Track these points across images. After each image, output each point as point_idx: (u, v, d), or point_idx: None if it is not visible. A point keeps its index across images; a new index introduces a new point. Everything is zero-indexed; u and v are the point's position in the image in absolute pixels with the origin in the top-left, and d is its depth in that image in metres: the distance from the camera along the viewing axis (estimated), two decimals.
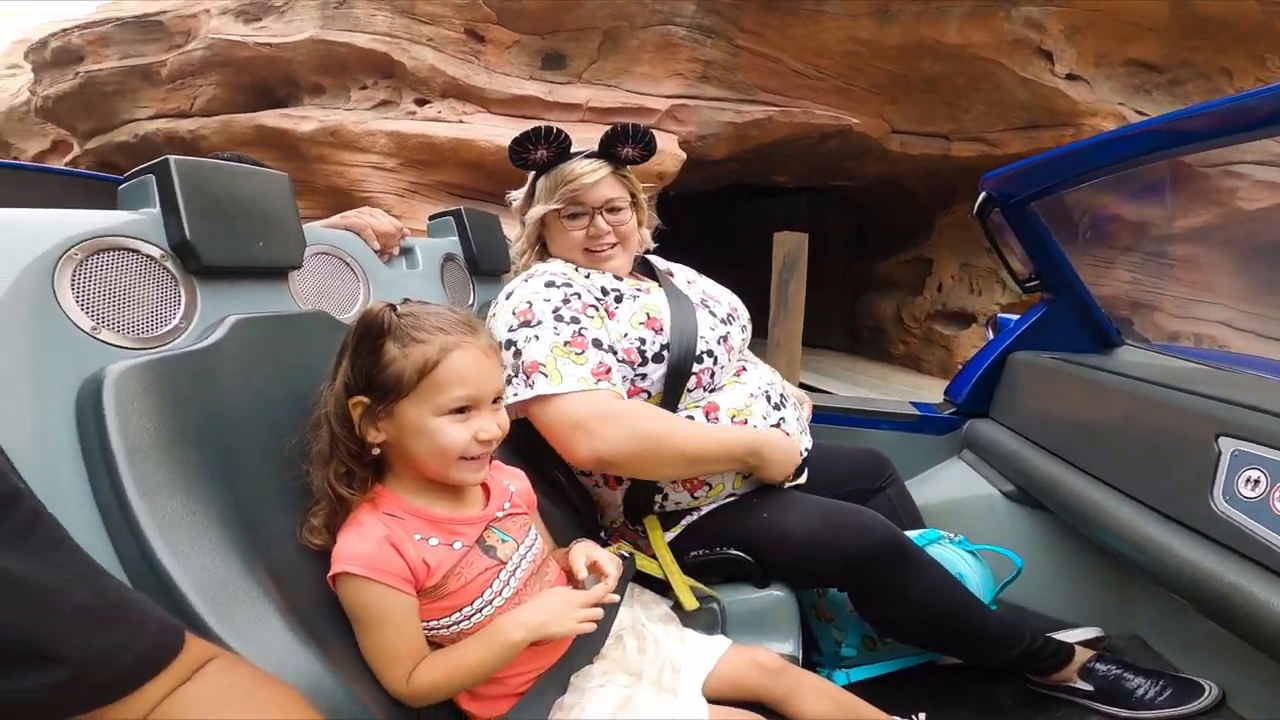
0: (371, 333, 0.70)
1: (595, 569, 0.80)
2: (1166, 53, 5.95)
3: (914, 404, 1.72)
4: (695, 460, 1.00)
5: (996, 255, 1.59)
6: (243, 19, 6.64)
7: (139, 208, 0.76)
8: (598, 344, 0.99)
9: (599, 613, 0.73)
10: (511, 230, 1.22)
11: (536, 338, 0.97)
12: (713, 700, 0.78)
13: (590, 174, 1.07)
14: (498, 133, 5.84)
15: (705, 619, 1.00)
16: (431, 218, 1.49)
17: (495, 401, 0.74)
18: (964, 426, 1.62)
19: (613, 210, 1.09)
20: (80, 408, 0.59)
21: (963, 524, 1.35)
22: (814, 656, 1.24)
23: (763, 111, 6.13)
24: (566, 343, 0.97)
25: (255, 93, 6.84)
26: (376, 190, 6.07)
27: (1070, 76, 5.98)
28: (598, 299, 1.05)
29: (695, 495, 1.07)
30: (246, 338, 0.76)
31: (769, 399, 1.11)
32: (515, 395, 0.96)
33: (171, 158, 0.75)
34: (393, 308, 0.71)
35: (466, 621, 0.71)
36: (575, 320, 0.99)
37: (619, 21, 6.00)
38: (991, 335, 1.83)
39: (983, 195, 1.44)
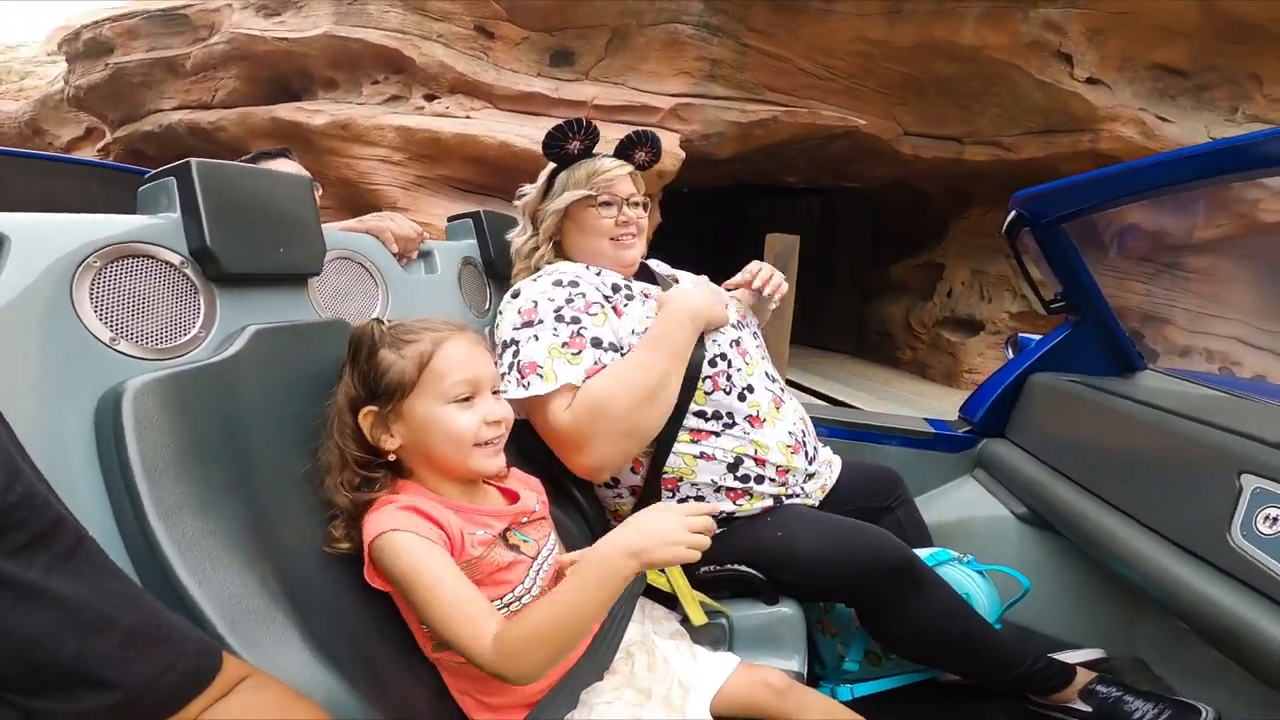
0: (364, 345, 0.74)
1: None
2: (1195, 57, 5.75)
3: (928, 420, 1.71)
4: (659, 392, 1.01)
5: (1022, 275, 1.59)
6: (263, 13, 6.78)
7: (158, 211, 0.75)
8: (597, 343, 1.01)
9: (706, 537, 0.67)
10: (512, 233, 1.24)
11: (536, 338, 1.00)
12: (720, 718, 0.80)
13: (619, 168, 1.14)
14: (501, 128, 5.89)
15: (713, 634, 1.02)
16: (450, 219, 1.50)
17: (495, 393, 0.77)
18: (978, 446, 1.62)
19: (634, 205, 1.15)
20: (99, 423, 0.58)
21: (972, 543, 1.36)
22: (816, 669, 1.25)
23: (768, 111, 6.07)
24: (565, 344, 0.99)
25: (273, 86, 6.99)
26: (383, 183, 6.17)
27: (1090, 80, 5.82)
28: (606, 296, 1.07)
29: (737, 504, 1.09)
30: (266, 348, 0.75)
31: (805, 449, 1.15)
32: (507, 392, 0.97)
33: (193, 160, 0.74)
34: (379, 322, 0.76)
35: (504, 610, 0.72)
36: (576, 320, 1.01)
37: (627, 19, 5.99)
38: (1011, 355, 1.83)
39: (1013, 214, 1.42)
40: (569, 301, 1.03)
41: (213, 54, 7.02)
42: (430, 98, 6.33)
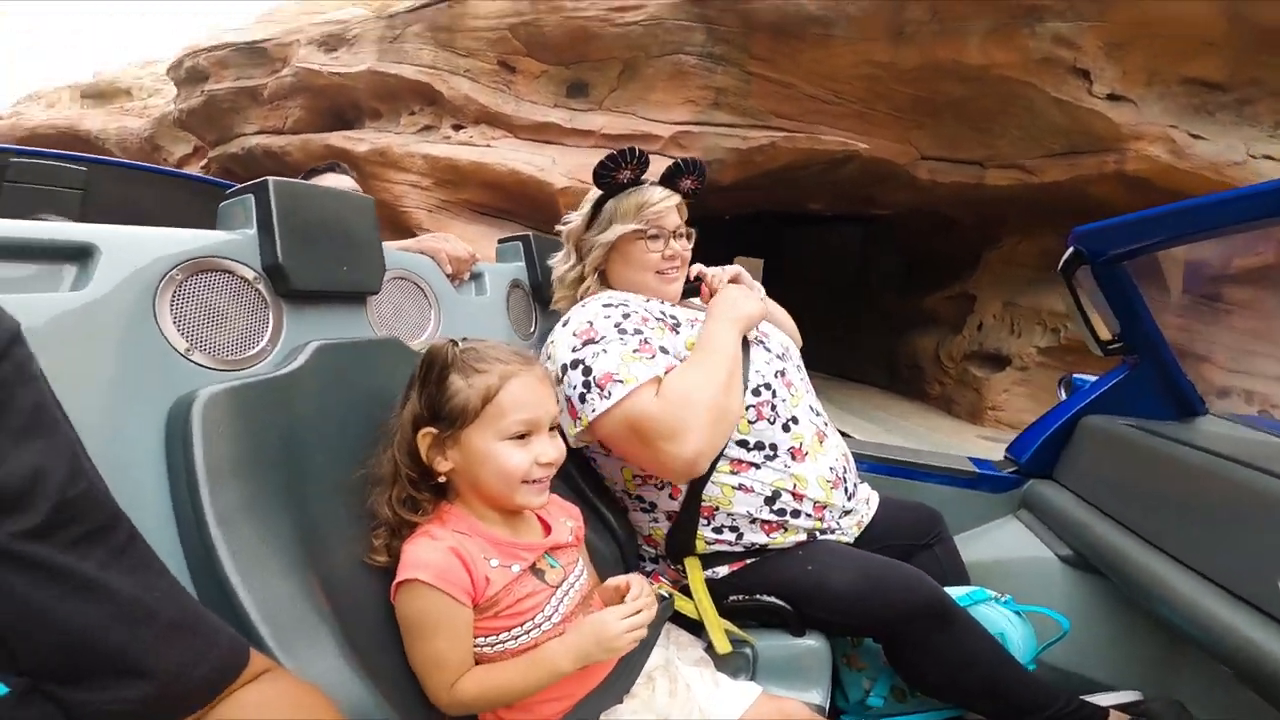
0: (436, 366, 0.75)
1: (621, 590, 0.82)
2: (1232, 70, 5.38)
3: (972, 459, 1.69)
4: (734, 380, 1.01)
5: (1078, 314, 1.52)
6: (324, 49, 7.61)
7: (236, 227, 0.79)
8: (665, 350, 1.01)
9: (642, 620, 0.75)
10: (554, 259, 1.24)
11: (604, 351, 0.98)
12: None
13: (667, 199, 1.12)
14: (513, 156, 6.35)
15: (737, 663, 1.01)
16: (501, 241, 1.53)
17: (551, 430, 0.78)
18: (1024, 486, 1.59)
19: (679, 237, 1.14)
20: (170, 428, 0.62)
21: (1011, 583, 1.35)
22: (839, 703, 1.24)
23: (767, 137, 6.16)
24: (635, 350, 0.98)
25: (331, 115, 7.81)
26: (412, 205, 6.77)
27: (1112, 96, 5.54)
28: (658, 317, 1.08)
29: (771, 536, 1.07)
30: (325, 364, 0.78)
31: (845, 485, 1.14)
32: (594, 410, 0.96)
33: (270, 179, 0.78)
34: (454, 343, 0.76)
35: (513, 641, 0.74)
36: (639, 332, 1.01)
37: (636, 51, 6.27)
38: (1064, 395, 1.78)
39: (1070, 250, 1.37)
40: (625, 317, 1.03)
41: (283, 85, 7.93)
42: (457, 127, 6.90)
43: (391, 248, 1.09)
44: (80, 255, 0.65)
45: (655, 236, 1.12)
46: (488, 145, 6.73)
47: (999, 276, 7.33)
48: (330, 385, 0.78)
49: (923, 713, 1.19)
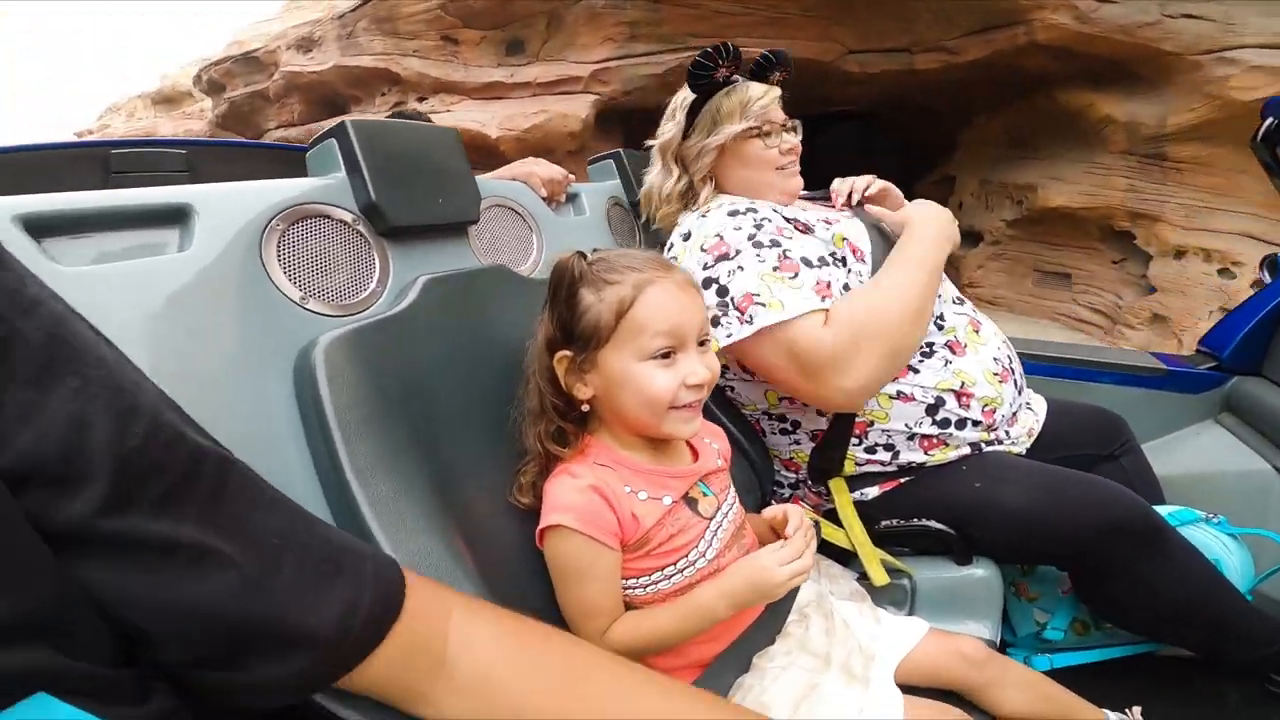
0: (564, 283, 0.66)
1: (776, 523, 0.74)
2: None
3: (1157, 355, 1.46)
4: (925, 309, 0.92)
5: None
6: (301, 51, 8.51)
7: (326, 173, 0.77)
8: (808, 262, 0.90)
9: (805, 564, 0.66)
10: (650, 175, 1.13)
11: (740, 268, 0.89)
12: (902, 687, 0.71)
13: (769, 93, 1.02)
14: (465, 116, 7.05)
15: (893, 595, 0.93)
16: (590, 161, 1.47)
17: (701, 345, 0.68)
18: (1227, 385, 1.37)
19: (790, 129, 1.04)
20: (298, 379, 0.60)
21: (1219, 501, 1.16)
22: (1005, 636, 1.12)
23: (677, 59, 6.45)
24: (775, 268, 0.88)
25: (324, 105, 8.78)
26: None
27: None
28: (788, 220, 0.97)
29: (930, 454, 0.96)
30: (437, 298, 0.75)
31: (1013, 376, 1.01)
32: (730, 335, 0.88)
33: (347, 119, 0.76)
34: (582, 255, 0.67)
35: (666, 582, 0.67)
36: (775, 243, 0.91)
37: (554, 3, 6.68)
38: (1269, 279, 1.53)
39: (1270, 122, 1.26)
40: (758, 227, 0.92)
41: (279, 86, 8.96)
42: (421, 99, 7.61)
43: (482, 178, 1.04)
44: (178, 217, 0.64)
45: (769, 133, 1.01)
46: (447, 110, 7.42)
47: (975, 156, 7.40)
48: (444, 320, 0.75)
49: (1110, 646, 1.06)
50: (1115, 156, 5.98)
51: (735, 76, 1.02)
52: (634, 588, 0.67)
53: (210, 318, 0.60)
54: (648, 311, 0.65)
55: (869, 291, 0.91)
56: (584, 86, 6.70)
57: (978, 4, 5.63)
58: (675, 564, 0.67)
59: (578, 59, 6.86)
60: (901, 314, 0.88)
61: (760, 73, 1.05)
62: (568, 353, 0.67)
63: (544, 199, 1.14)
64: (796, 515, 0.72)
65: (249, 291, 0.63)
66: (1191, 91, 5.27)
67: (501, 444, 0.71)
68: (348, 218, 0.75)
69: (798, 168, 1.05)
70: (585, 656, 0.41)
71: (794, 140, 1.04)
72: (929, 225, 1.00)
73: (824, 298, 0.88)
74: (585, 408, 0.69)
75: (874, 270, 0.96)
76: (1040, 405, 1.09)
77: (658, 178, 1.10)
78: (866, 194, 1.11)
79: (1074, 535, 0.90)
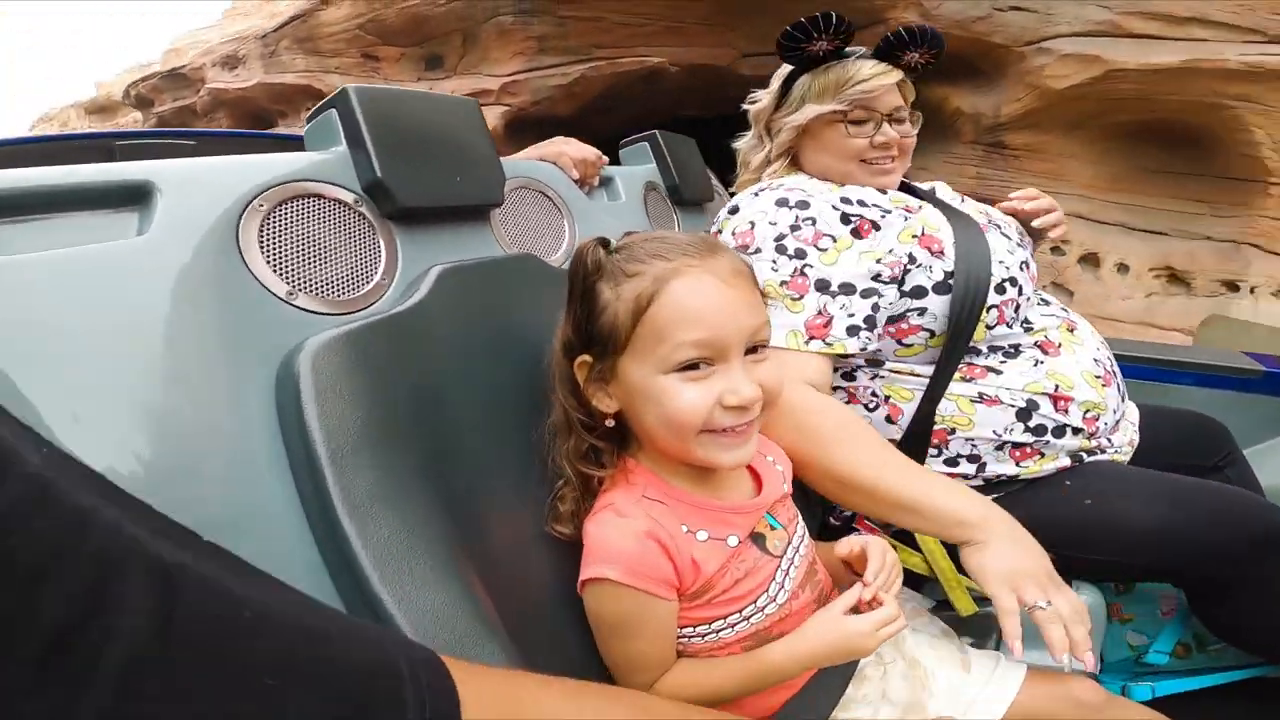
0: (580, 275, 0.55)
1: (854, 558, 0.62)
2: None
3: (1251, 355, 1.37)
4: (874, 499, 0.73)
5: None
6: (226, 69, 8.71)
7: (325, 148, 0.66)
8: (823, 286, 0.81)
9: (896, 629, 0.55)
10: (741, 141, 1.04)
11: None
12: None
13: (882, 76, 0.90)
14: None
15: (978, 628, 0.81)
16: (623, 144, 1.36)
17: (753, 351, 0.54)
18: None
19: (898, 120, 0.93)
20: (280, 392, 0.49)
21: None
22: None
23: (579, 71, 7.00)
24: (784, 282, 0.81)
25: (251, 119, 9.01)
26: None
27: None
28: (846, 216, 0.86)
29: (1023, 465, 0.84)
30: (453, 291, 0.63)
31: (1116, 380, 0.89)
32: None
33: (350, 86, 0.65)
34: (604, 243, 0.56)
35: (729, 630, 0.57)
36: (800, 255, 0.82)
37: (466, 22, 7.13)
38: None
39: None
40: (794, 229, 0.83)
41: (206, 102, 9.13)
42: None
43: (508, 159, 0.95)
44: (138, 197, 0.52)
45: (861, 121, 0.92)
46: None
47: None
48: (464, 318, 0.63)
49: (1217, 671, 0.97)
50: (966, 146, 6.68)
51: (847, 50, 0.93)
52: (692, 637, 0.57)
53: (171, 318, 0.48)
54: (671, 312, 0.52)
55: (863, 442, 0.75)
56: (495, 98, 7.19)
57: (844, 6, 6.25)
58: (741, 611, 0.57)
59: (491, 72, 7.32)
60: (847, 477, 0.73)
61: (888, 50, 0.92)
62: (587, 358, 0.56)
63: (575, 181, 1.04)
64: (878, 553, 0.60)
65: (222, 285, 0.52)
66: (1018, 82, 5.99)
67: (532, 463, 0.60)
68: (348, 198, 0.63)
69: (895, 164, 0.94)
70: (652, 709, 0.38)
71: (893, 133, 0.92)
72: (1004, 532, 0.73)
73: (811, 338, 0.79)
74: (610, 423, 0.57)
75: (958, 266, 0.83)
76: (1133, 412, 0.99)
77: (746, 143, 1.03)
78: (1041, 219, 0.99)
79: (1203, 552, 0.78)
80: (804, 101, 0.93)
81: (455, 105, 0.75)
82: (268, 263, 0.55)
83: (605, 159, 1.15)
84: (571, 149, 1.08)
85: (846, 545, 0.62)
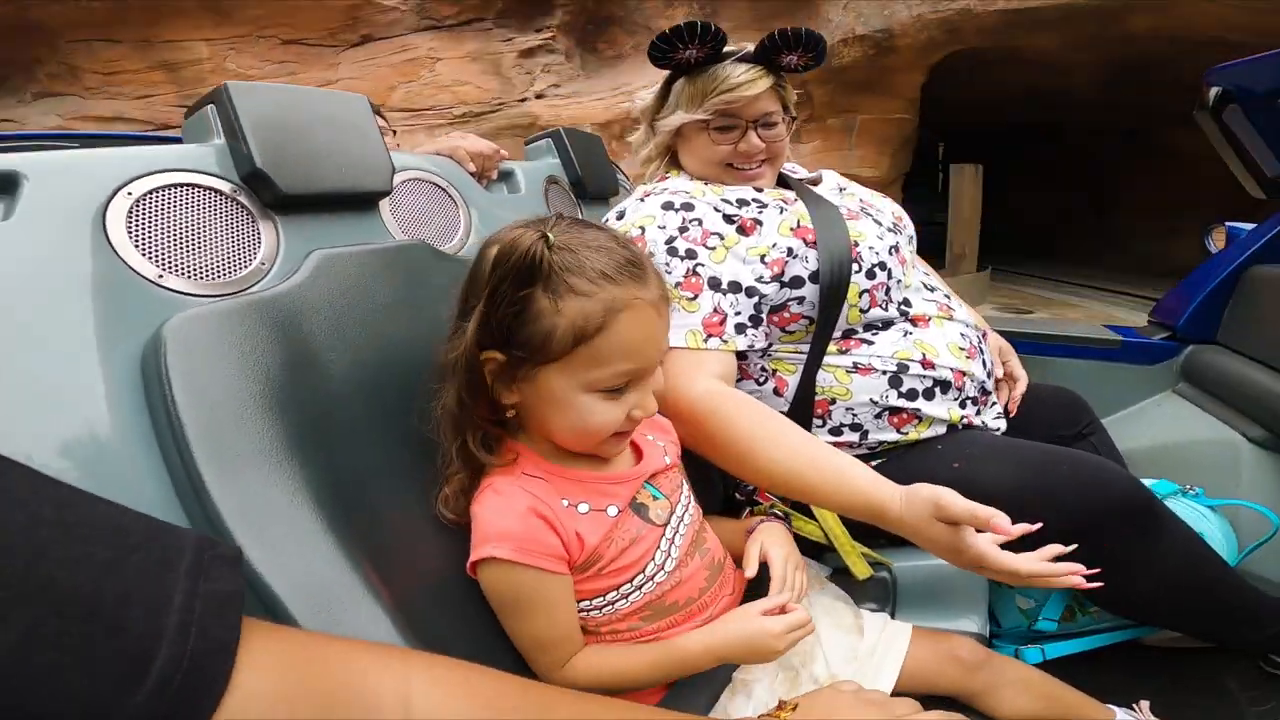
0: (513, 271, 0.53)
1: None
2: None
3: (1111, 328, 1.46)
4: (772, 479, 0.75)
5: (1233, 156, 1.38)
6: None
7: (202, 141, 0.68)
8: (715, 284, 0.84)
9: (804, 633, 0.60)
10: (634, 135, 1.06)
11: None
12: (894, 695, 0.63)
13: (750, 84, 0.90)
14: None
15: (874, 592, 0.85)
16: (527, 141, 1.40)
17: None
18: (1182, 354, 1.37)
19: (768, 125, 0.94)
20: (145, 369, 0.50)
21: (1186, 473, 1.14)
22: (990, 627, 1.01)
23: None
24: (678, 283, 0.83)
25: None
26: None
27: None
28: (729, 216, 0.89)
29: (903, 431, 0.88)
30: (335, 275, 0.65)
31: (982, 355, 0.93)
32: None
33: (229, 82, 0.67)
34: (546, 239, 0.53)
35: (624, 601, 0.60)
36: (691, 255, 0.84)
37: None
38: (1216, 247, 1.57)
39: (1215, 90, 1.27)
40: (682, 230, 0.85)
41: None
42: None
43: (401, 153, 0.98)
44: (5, 186, 0.54)
45: (726, 128, 0.93)
46: None
47: None
48: (347, 301, 0.64)
49: (1100, 633, 1.00)
50: None
51: (726, 52, 0.92)
52: (590, 609, 0.60)
53: (34, 294, 0.50)
54: (614, 346, 0.54)
55: (779, 441, 0.75)
56: None
57: None
58: (632, 580, 0.60)
59: None
60: (763, 457, 0.74)
61: (765, 53, 0.91)
62: (499, 356, 0.56)
63: (473, 174, 1.07)
64: (780, 563, 0.66)
65: (87, 266, 0.53)
66: None
67: (418, 446, 0.61)
68: (225, 188, 0.66)
69: (763, 168, 0.96)
70: (545, 699, 0.37)
71: (757, 142, 0.93)
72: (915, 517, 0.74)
73: (710, 335, 0.81)
74: (511, 414, 0.60)
75: (820, 255, 0.86)
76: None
77: (636, 139, 1.05)
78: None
79: (1068, 518, 0.78)
80: (676, 107, 0.95)
81: (340, 99, 0.78)
82: (135, 246, 0.57)
83: (504, 153, 1.18)
84: (468, 143, 1.11)
85: (753, 547, 0.68)
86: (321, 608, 0.44)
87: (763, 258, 0.86)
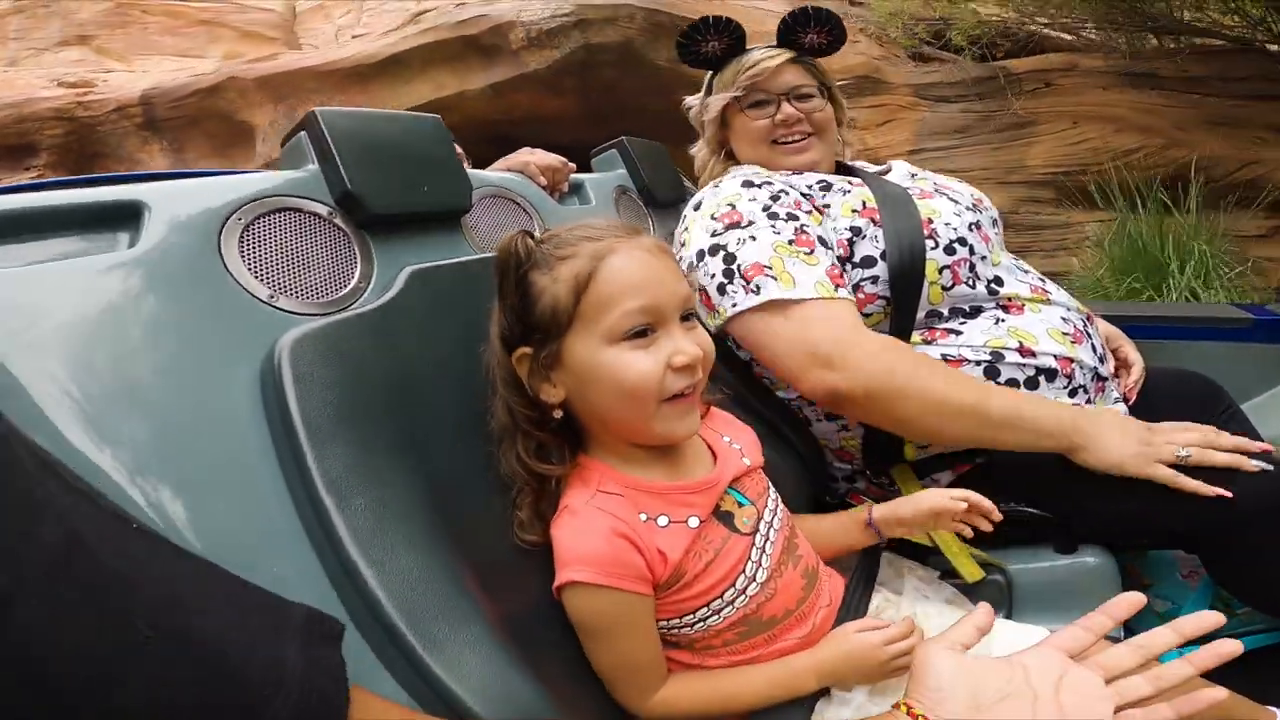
0: (510, 267, 0.57)
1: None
2: None
3: (1239, 305, 1.34)
4: (976, 417, 0.76)
5: None
6: None
7: (299, 167, 0.73)
8: (824, 243, 0.84)
9: (908, 644, 0.57)
10: (694, 147, 1.11)
11: (752, 238, 0.82)
12: None
13: (768, 59, 0.96)
14: None
15: (987, 595, 0.80)
16: (593, 153, 1.41)
17: (686, 320, 0.57)
18: None
19: (801, 97, 0.97)
20: (264, 383, 0.53)
21: None
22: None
23: None
24: (790, 240, 0.82)
25: None
26: None
27: None
28: (805, 193, 0.90)
29: None
30: (424, 291, 0.69)
31: (1090, 340, 0.89)
32: (735, 305, 0.81)
33: (317, 109, 0.72)
34: (528, 235, 0.58)
35: (716, 617, 0.58)
36: (793, 217, 0.84)
37: None
38: None
39: None
40: (775, 199, 0.86)
41: None
42: None
43: (477, 171, 1.02)
44: (130, 216, 0.58)
45: (759, 103, 0.97)
46: None
47: None
48: (436, 315, 0.68)
49: (1253, 634, 0.93)
50: None
51: (749, 47, 0.99)
52: (680, 626, 0.58)
53: (160, 317, 0.53)
54: (612, 283, 0.54)
55: (949, 372, 0.79)
56: None
57: None
58: (723, 595, 0.57)
59: None
60: (946, 400, 0.76)
61: (786, 32, 0.97)
62: (527, 349, 0.57)
63: (544, 188, 1.10)
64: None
65: (206, 290, 0.57)
66: None
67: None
68: (322, 210, 0.70)
69: (808, 141, 0.97)
70: None
71: (793, 111, 0.96)
72: (1103, 428, 0.79)
73: (838, 286, 0.81)
74: (558, 414, 0.58)
75: (886, 236, 0.86)
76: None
77: (697, 147, 1.10)
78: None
79: (1216, 513, 0.74)
80: (714, 94, 1.01)
81: (421, 122, 0.82)
82: (249, 269, 0.61)
83: (572, 166, 1.21)
84: (536, 157, 1.15)
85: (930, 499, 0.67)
86: (418, 615, 0.46)
87: (830, 232, 0.88)
